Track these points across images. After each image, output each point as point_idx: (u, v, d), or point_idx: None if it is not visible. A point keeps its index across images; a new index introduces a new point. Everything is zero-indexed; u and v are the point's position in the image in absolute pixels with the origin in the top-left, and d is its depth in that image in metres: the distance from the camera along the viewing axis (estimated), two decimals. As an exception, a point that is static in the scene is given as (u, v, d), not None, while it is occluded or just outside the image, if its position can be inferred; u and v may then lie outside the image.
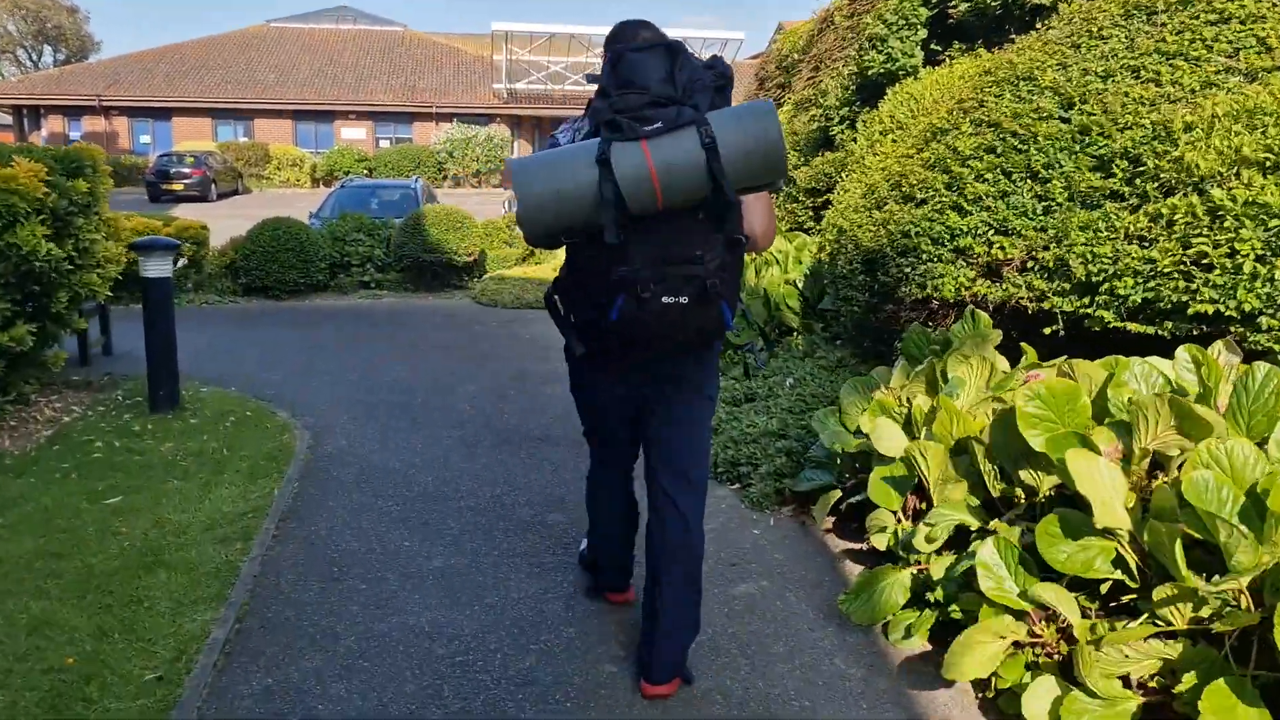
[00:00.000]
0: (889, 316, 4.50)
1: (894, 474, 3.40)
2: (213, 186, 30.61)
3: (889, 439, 3.39)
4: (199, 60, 38.23)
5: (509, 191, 21.88)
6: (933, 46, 6.35)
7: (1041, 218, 3.77)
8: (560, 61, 36.81)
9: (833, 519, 4.16)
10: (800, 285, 6.17)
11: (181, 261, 11.37)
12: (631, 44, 2.54)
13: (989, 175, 3.97)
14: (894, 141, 5.58)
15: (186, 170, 30.02)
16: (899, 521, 3.41)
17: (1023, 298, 3.78)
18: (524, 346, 8.28)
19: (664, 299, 2.38)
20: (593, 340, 2.65)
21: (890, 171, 4.75)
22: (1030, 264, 3.77)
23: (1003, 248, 3.87)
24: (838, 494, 3.84)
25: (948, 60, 6.04)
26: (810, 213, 7.04)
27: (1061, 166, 3.74)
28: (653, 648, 2.84)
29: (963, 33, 6.24)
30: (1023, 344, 3.58)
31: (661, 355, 2.69)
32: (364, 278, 12.34)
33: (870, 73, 6.48)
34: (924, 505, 3.39)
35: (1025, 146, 3.87)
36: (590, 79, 2.58)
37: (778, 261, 6.49)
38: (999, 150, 3.97)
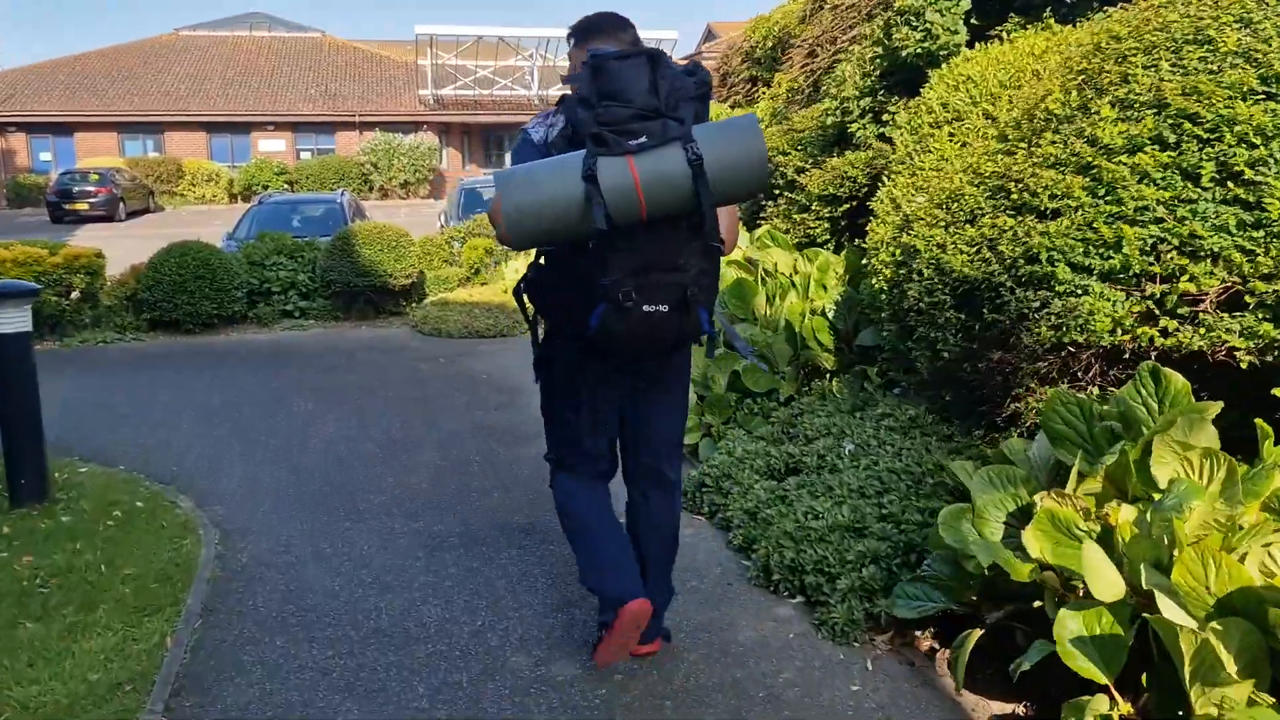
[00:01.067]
0: (994, 367, 3.37)
1: (1102, 629, 2.25)
2: (121, 205, 28.63)
3: (1103, 578, 2.24)
4: (102, 71, 35.97)
5: (443, 203, 20.49)
6: (973, 21, 5.28)
7: (1253, 233, 2.68)
8: (488, 65, 35.38)
9: (943, 648, 3.03)
10: (830, 315, 5.02)
11: (74, 294, 9.88)
12: (613, 52, 2.50)
13: (1159, 176, 2.86)
14: (951, 136, 4.47)
15: (91, 189, 28.02)
16: (1113, 706, 2.27)
17: (1236, 347, 2.68)
18: (481, 390, 7.01)
19: (644, 308, 2.42)
20: (573, 342, 2.68)
21: (980, 173, 3.63)
22: (1249, 299, 2.67)
23: (1193, 277, 2.76)
24: (978, 634, 2.69)
25: (1003, 37, 4.97)
26: (826, 224, 5.91)
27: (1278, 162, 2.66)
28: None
29: (1010, 3, 5.19)
30: (1258, 421, 2.47)
31: (642, 356, 2.74)
32: (287, 306, 10.91)
33: (904, 54, 5.37)
34: (1147, 678, 2.26)
35: (1217, 134, 2.78)
36: (566, 80, 2.60)
37: (795, 286, 5.34)
38: (1172, 141, 2.87)
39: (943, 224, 3.68)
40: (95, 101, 34.10)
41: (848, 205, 5.73)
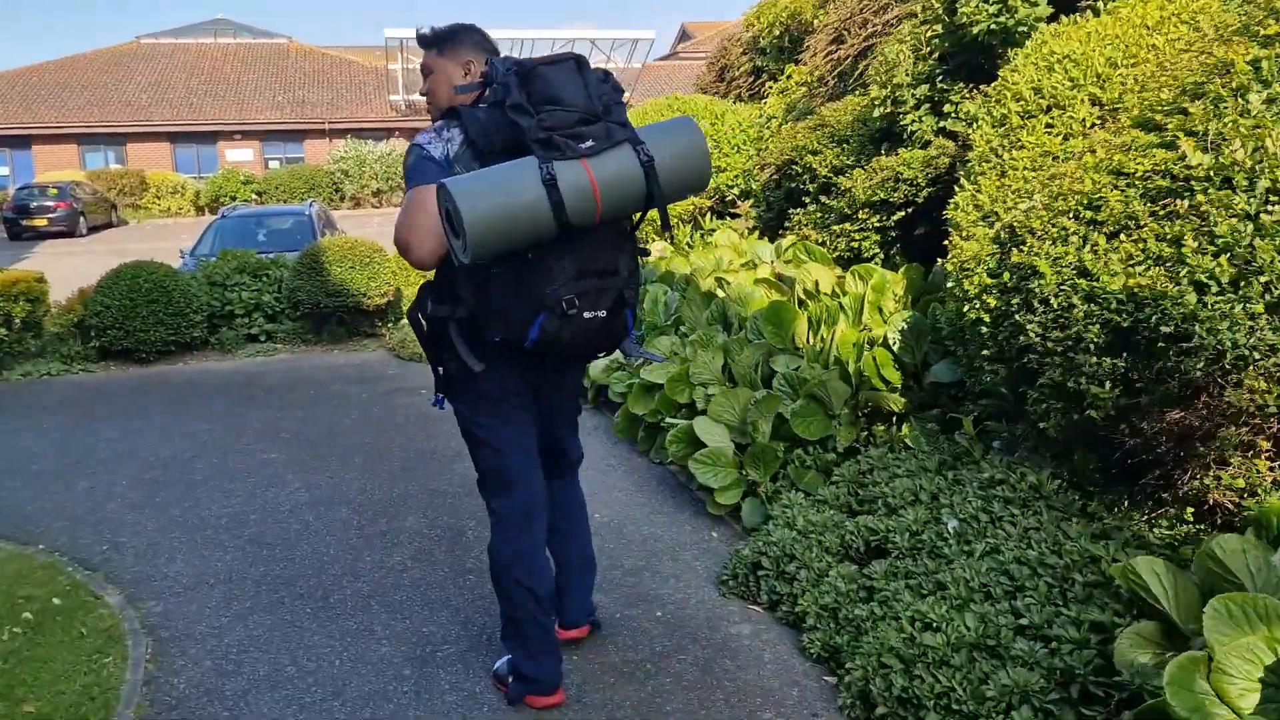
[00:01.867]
0: (1169, 429, 2.55)
1: None
2: (82, 220, 27.53)
3: None
4: (60, 82, 34.75)
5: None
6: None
7: None
8: (462, 69, 34.41)
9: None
10: (895, 347, 4.19)
11: (15, 323, 8.92)
12: (539, 58, 2.45)
13: None
14: (1049, 128, 3.65)
15: (50, 203, 26.93)
16: None
17: None
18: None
19: (585, 314, 2.41)
20: (495, 357, 2.59)
21: (1124, 171, 2.80)
22: None
23: None
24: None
25: (1097, 8, 4.16)
26: (875, 235, 5.08)
27: None
28: (574, 597, 3.15)
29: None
30: None
31: (573, 361, 2.85)
32: (252, 330, 9.98)
33: (975, 32, 4.55)
34: None
35: None
36: (463, 89, 2.63)
37: (844, 310, 4.50)
38: None
39: (1075, 236, 2.85)
40: (53, 113, 32.91)
41: (901, 213, 4.91)
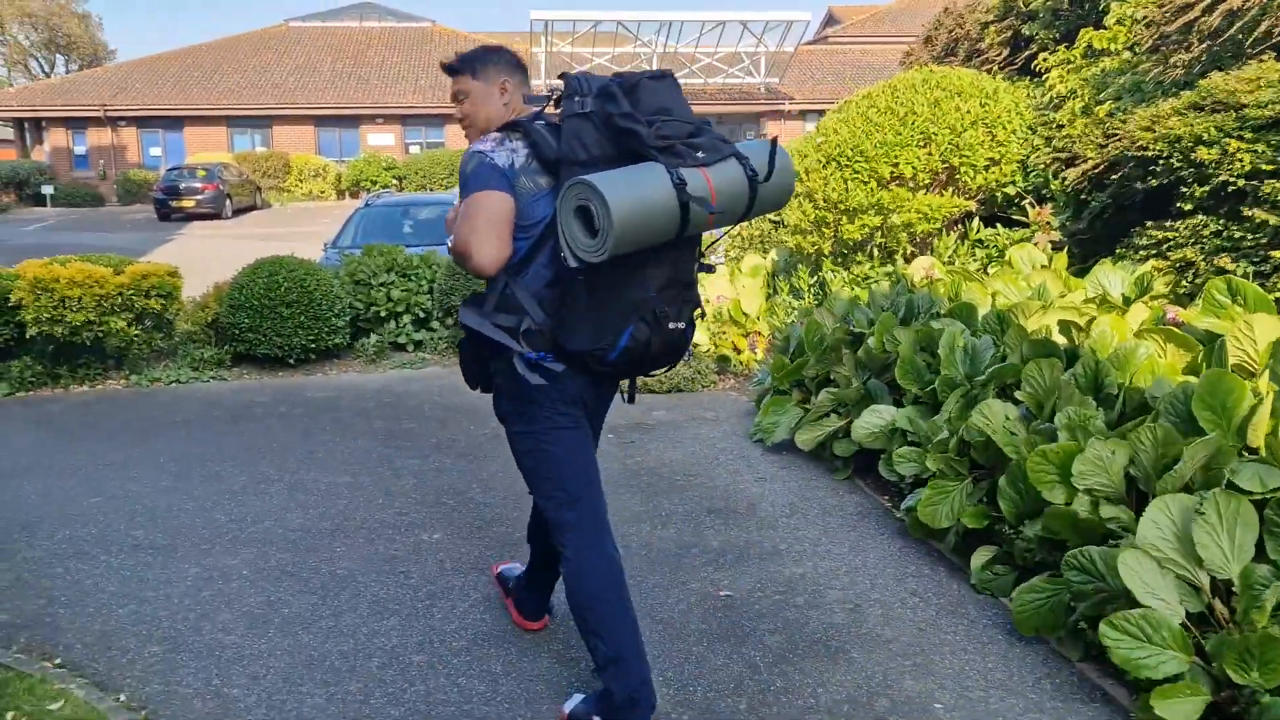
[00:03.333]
0: None
1: None
2: (228, 202, 27.49)
3: None
4: (212, 64, 35.08)
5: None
6: None
7: None
8: (605, 53, 33.15)
9: None
10: None
11: (145, 321, 7.94)
12: (645, 73, 2.49)
13: None
14: None
15: (198, 185, 26.94)
16: None
17: None
18: (689, 504, 4.65)
19: (670, 324, 2.43)
20: (572, 368, 2.52)
21: None
22: None
23: None
24: None
25: None
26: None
27: None
28: (548, 592, 3.19)
29: None
30: None
31: (637, 374, 2.69)
32: (398, 338, 8.78)
33: None
34: None
35: None
36: (533, 100, 2.68)
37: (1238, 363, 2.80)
38: None
39: None
40: (205, 95, 33.17)
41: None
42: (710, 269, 2.64)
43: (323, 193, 32.01)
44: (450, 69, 2.77)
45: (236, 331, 8.08)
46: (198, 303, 8.67)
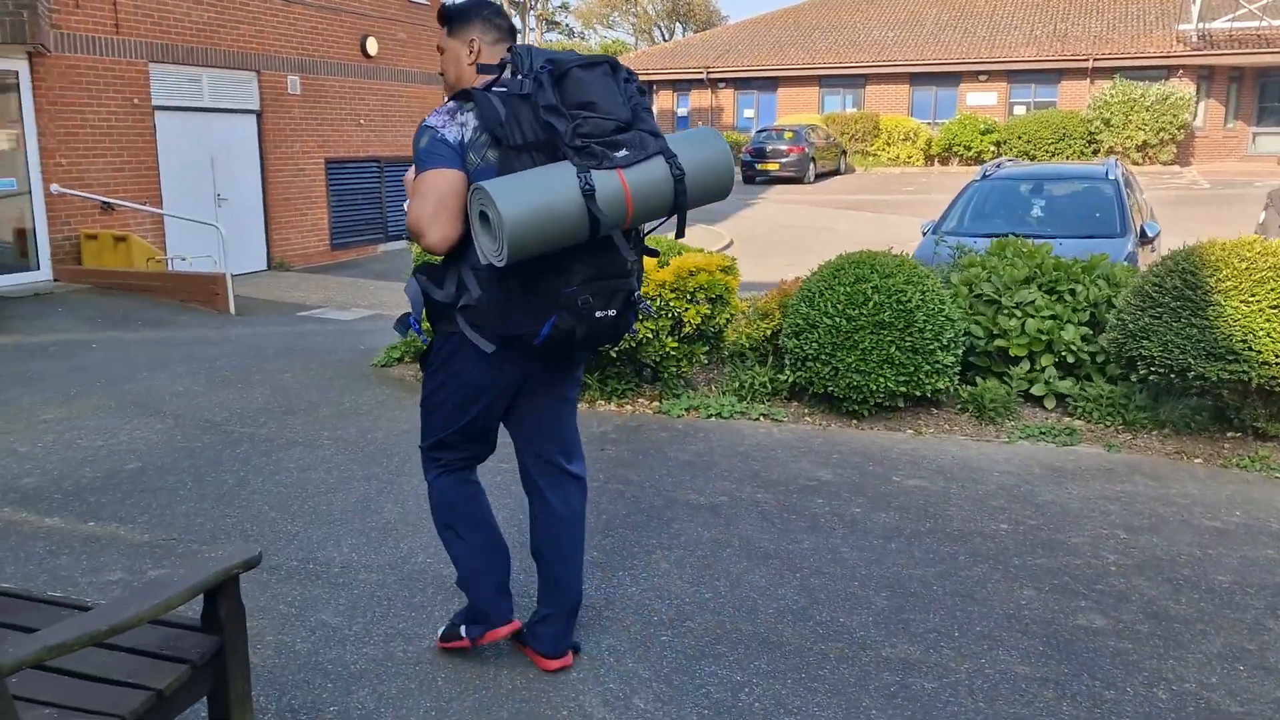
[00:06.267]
0: None
1: None
2: (811, 166, 26.18)
3: None
4: (811, 24, 34.14)
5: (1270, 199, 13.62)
6: None
7: None
8: (1287, -14, 25.83)
9: None
10: None
11: (685, 327, 5.94)
12: (574, 59, 2.44)
13: None
14: None
15: (784, 148, 25.98)
16: None
17: None
18: None
19: (598, 314, 2.43)
20: (500, 347, 2.54)
21: None
22: None
23: None
24: None
25: None
26: None
27: None
28: (557, 624, 2.85)
29: None
30: None
31: (573, 355, 2.70)
32: (1032, 385, 5.75)
33: None
34: None
35: None
36: (485, 69, 2.57)
37: None
38: None
39: None
40: (801, 54, 32.27)
41: None
42: (654, 253, 2.61)
43: (910, 158, 29.41)
44: (439, 18, 2.73)
45: (799, 357, 5.69)
46: (757, 308, 6.47)
